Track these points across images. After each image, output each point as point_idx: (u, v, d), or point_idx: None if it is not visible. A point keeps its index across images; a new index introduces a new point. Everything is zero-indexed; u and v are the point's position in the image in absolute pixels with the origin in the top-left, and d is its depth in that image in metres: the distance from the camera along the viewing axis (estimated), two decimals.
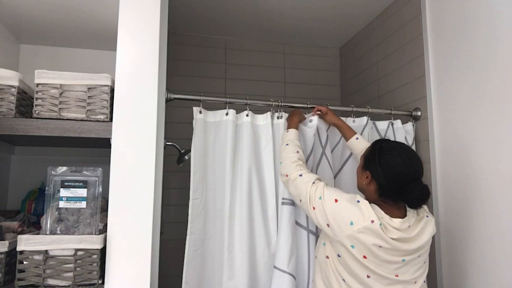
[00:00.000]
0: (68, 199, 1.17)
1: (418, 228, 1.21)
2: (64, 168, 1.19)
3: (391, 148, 1.27)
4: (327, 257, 1.26)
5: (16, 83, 1.20)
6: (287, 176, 1.37)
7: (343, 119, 1.78)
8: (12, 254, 1.15)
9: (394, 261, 1.18)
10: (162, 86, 1.41)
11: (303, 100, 1.77)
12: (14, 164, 1.73)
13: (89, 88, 1.23)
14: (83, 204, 1.18)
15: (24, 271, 1.11)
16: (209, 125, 1.62)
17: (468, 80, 1.60)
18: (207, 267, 1.54)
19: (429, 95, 1.81)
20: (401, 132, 1.85)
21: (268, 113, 1.68)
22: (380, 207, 1.21)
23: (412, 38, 1.95)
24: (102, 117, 1.23)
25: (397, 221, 1.18)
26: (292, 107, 1.72)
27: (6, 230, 1.25)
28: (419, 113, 1.88)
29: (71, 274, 1.12)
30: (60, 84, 1.22)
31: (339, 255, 1.21)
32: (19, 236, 1.11)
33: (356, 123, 1.80)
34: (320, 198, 1.24)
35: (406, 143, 1.83)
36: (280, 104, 1.68)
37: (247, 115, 1.65)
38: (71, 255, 1.12)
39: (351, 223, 1.16)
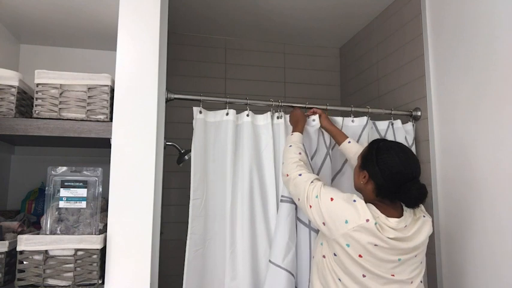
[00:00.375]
0: (68, 199, 1.17)
1: (414, 228, 1.22)
2: (64, 168, 1.19)
3: (389, 148, 1.27)
4: (324, 257, 1.27)
5: (16, 83, 1.20)
6: (287, 175, 1.39)
7: (343, 119, 1.79)
8: (12, 254, 1.15)
9: (390, 260, 1.18)
10: (162, 86, 1.41)
11: (303, 100, 1.77)
12: (14, 164, 1.73)
13: (89, 88, 1.23)
14: (83, 204, 1.18)
15: (24, 271, 1.11)
16: (209, 125, 1.62)
17: (468, 80, 1.60)
18: (208, 268, 1.54)
19: (429, 95, 1.81)
20: (401, 132, 1.85)
21: (268, 113, 1.68)
22: (377, 207, 1.21)
23: (412, 38, 1.95)
24: (102, 117, 1.23)
25: (393, 221, 1.19)
26: (292, 107, 1.72)
27: (6, 230, 1.25)
28: (419, 113, 1.88)
29: (71, 274, 1.12)
30: (60, 84, 1.22)
31: (335, 254, 1.21)
32: (19, 236, 1.11)
33: (356, 123, 1.80)
34: (317, 197, 1.25)
35: (406, 143, 1.83)
36: (280, 104, 1.69)
37: (247, 115, 1.65)
38: (71, 255, 1.12)
39: (346, 221, 1.17)
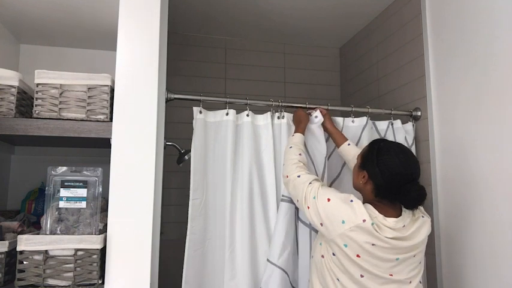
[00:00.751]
0: (68, 199, 1.17)
1: (413, 227, 1.22)
2: (64, 168, 1.19)
3: (389, 149, 1.27)
4: (322, 256, 1.27)
5: (16, 83, 1.20)
6: (287, 177, 1.40)
7: (344, 119, 1.79)
8: (12, 254, 1.14)
9: (388, 260, 1.18)
10: (162, 86, 1.41)
11: (303, 100, 1.77)
12: (14, 164, 1.73)
13: (89, 88, 1.23)
14: (83, 204, 1.18)
15: (24, 271, 1.11)
16: (209, 125, 1.62)
17: (468, 79, 1.60)
18: (208, 267, 1.54)
19: (429, 95, 1.81)
20: (401, 132, 1.85)
21: (269, 113, 1.68)
22: (375, 207, 1.21)
23: (412, 38, 1.95)
24: (102, 117, 1.23)
25: (391, 220, 1.19)
26: (292, 107, 1.72)
27: (6, 230, 1.25)
28: (419, 113, 1.88)
29: (71, 274, 1.12)
30: (60, 84, 1.22)
31: (333, 254, 1.22)
32: (19, 236, 1.11)
33: (356, 123, 1.80)
34: (314, 197, 1.26)
35: (406, 143, 1.83)
36: (280, 104, 1.68)
37: (247, 115, 1.65)
38: (71, 255, 1.12)
39: (343, 222, 1.17)
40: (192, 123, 1.59)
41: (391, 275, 1.19)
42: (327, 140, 1.70)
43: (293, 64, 2.82)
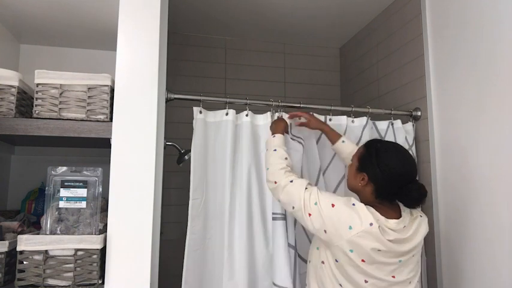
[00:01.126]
0: (68, 199, 1.17)
1: (413, 228, 1.21)
2: (64, 168, 1.19)
3: (387, 149, 1.26)
4: (323, 262, 1.24)
5: (16, 83, 1.20)
6: (275, 183, 1.32)
7: (347, 118, 1.78)
8: (12, 254, 1.15)
9: (391, 263, 1.18)
10: (162, 86, 1.41)
11: (303, 100, 1.77)
12: (14, 164, 1.73)
13: (89, 88, 1.23)
14: (83, 204, 1.18)
15: (24, 271, 1.11)
16: (209, 125, 1.62)
17: (469, 80, 1.60)
18: (207, 267, 1.54)
19: (429, 95, 1.81)
20: (402, 132, 1.85)
21: (268, 113, 1.68)
22: (375, 209, 1.19)
23: (412, 38, 1.95)
24: (102, 117, 1.23)
25: (392, 222, 1.18)
26: (292, 107, 1.72)
27: (6, 230, 1.25)
28: (419, 113, 1.87)
29: (71, 274, 1.12)
30: (60, 84, 1.22)
31: (336, 261, 1.19)
32: (19, 236, 1.11)
33: (356, 123, 1.80)
34: (316, 203, 1.20)
35: (406, 143, 1.83)
36: (280, 104, 1.68)
37: (247, 115, 1.65)
38: (71, 255, 1.12)
39: (350, 227, 1.14)
40: (192, 123, 1.59)
41: (393, 277, 1.19)
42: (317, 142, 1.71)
43: (293, 64, 2.82)
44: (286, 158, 1.40)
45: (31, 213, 1.61)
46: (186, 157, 1.77)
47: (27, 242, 1.10)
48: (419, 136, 1.88)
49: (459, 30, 1.65)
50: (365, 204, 1.21)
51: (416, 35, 1.91)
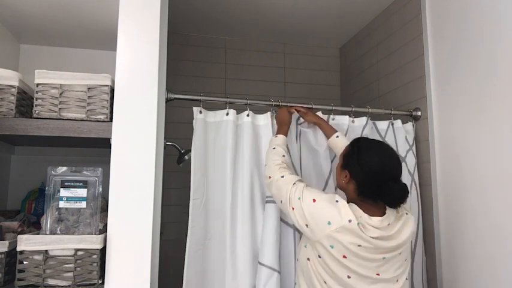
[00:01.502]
0: (68, 199, 1.17)
1: (397, 225, 1.21)
2: (64, 168, 1.19)
3: (369, 147, 1.27)
4: (308, 259, 1.25)
5: (16, 83, 1.20)
6: (270, 178, 1.37)
7: (349, 118, 1.79)
8: (12, 254, 1.14)
9: (374, 259, 1.18)
10: (162, 86, 1.41)
11: (303, 100, 1.77)
12: (14, 164, 1.73)
13: (89, 88, 1.23)
14: (83, 204, 1.18)
15: (24, 271, 1.11)
16: (209, 125, 1.62)
17: (469, 80, 1.60)
18: (208, 268, 1.53)
19: (429, 95, 1.81)
20: (402, 132, 1.85)
21: (269, 113, 1.68)
22: (359, 206, 1.20)
23: (412, 38, 1.95)
24: (102, 117, 1.23)
25: (376, 220, 1.18)
26: (292, 107, 1.72)
27: (6, 230, 1.25)
28: (419, 113, 1.88)
29: (71, 274, 1.12)
30: (60, 84, 1.22)
31: (319, 256, 1.20)
32: (19, 236, 1.11)
33: (356, 123, 1.80)
34: (299, 198, 1.23)
35: (406, 143, 1.83)
36: (280, 104, 1.68)
37: (247, 115, 1.64)
38: (71, 255, 1.12)
39: (329, 223, 1.16)
40: (192, 123, 1.59)
41: (378, 274, 1.19)
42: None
43: (293, 64, 2.82)
44: (283, 156, 1.43)
45: (31, 213, 1.61)
46: (186, 157, 1.77)
47: (27, 242, 1.10)
48: (419, 136, 1.88)
49: (459, 30, 1.65)
50: (350, 202, 1.22)
51: (416, 35, 1.91)
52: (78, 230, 1.17)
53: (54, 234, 1.14)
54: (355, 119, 1.80)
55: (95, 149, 1.61)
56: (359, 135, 1.76)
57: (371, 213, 1.19)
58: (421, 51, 1.87)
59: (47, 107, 1.21)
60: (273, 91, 2.73)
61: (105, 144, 1.25)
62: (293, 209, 1.24)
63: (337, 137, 1.61)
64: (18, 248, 1.11)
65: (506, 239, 1.40)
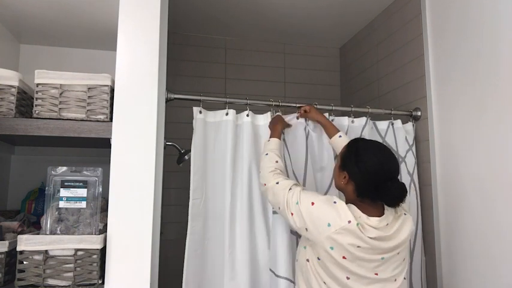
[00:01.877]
0: (68, 199, 1.17)
1: (396, 225, 1.21)
2: (64, 168, 1.19)
3: (367, 148, 1.27)
4: (307, 260, 1.25)
5: (16, 83, 1.20)
6: (265, 185, 1.38)
7: (348, 119, 1.79)
8: (12, 254, 1.15)
9: (373, 260, 1.18)
10: (162, 86, 1.41)
11: (303, 100, 1.77)
12: (14, 164, 1.73)
13: (89, 88, 1.23)
14: (83, 204, 1.18)
15: (24, 271, 1.11)
16: (209, 125, 1.62)
17: (469, 80, 1.60)
18: (207, 268, 1.53)
19: (429, 95, 1.81)
20: (402, 132, 1.85)
21: (269, 113, 1.68)
22: (358, 207, 1.20)
23: (413, 37, 1.95)
24: (102, 117, 1.23)
25: (374, 220, 1.18)
26: (292, 107, 1.72)
27: (6, 230, 1.25)
28: (419, 113, 1.88)
29: (71, 274, 1.12)
30: (60, 84, 1.22)
31: (318, 258, 1.21)
32: (19, 236, 1.11)
33: (356, 123, 1.80)
34: (297, 203, 1.24)
35: (406, 143, 1.83)
36: (280, 104, 1.68)
37: (247, 115, 1.65)
38: (71, 255, 1.12)
39: (328, 224, 1.16)
40: (192, 123, 1.59)
41: (376, 274, 1.19)
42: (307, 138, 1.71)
43: (293, 64, 2.82)
44: (276, 162, 1.43)
45: (31, 213, 1.61)
46: (186, 157, 1.77)
47: (27, 242, 1.10)
48: (419, 136, 1.88)
49: (459, 30, 1.65)
50: (348, 203, 1.22)
51: (417, 35, 1.91)
52: (78, 230, 1.17)
53: (54, 234, 1.14)
54: (355, 119, 1.80)
55: (95, 149, 1.61)
56: (359, 136, 1.76)
57: (369, 214, 1.20)
58: (421, 51, 1.87)
59: (47, 107, 1.21)
60: (273, 91, 2.73)
61: (105, 144, 1.25)
62: (292, 214, 1.25)
63: (340, 136, 1.61)
64: (18, 248, 1.11)
65: (506, 238, 1.40)
